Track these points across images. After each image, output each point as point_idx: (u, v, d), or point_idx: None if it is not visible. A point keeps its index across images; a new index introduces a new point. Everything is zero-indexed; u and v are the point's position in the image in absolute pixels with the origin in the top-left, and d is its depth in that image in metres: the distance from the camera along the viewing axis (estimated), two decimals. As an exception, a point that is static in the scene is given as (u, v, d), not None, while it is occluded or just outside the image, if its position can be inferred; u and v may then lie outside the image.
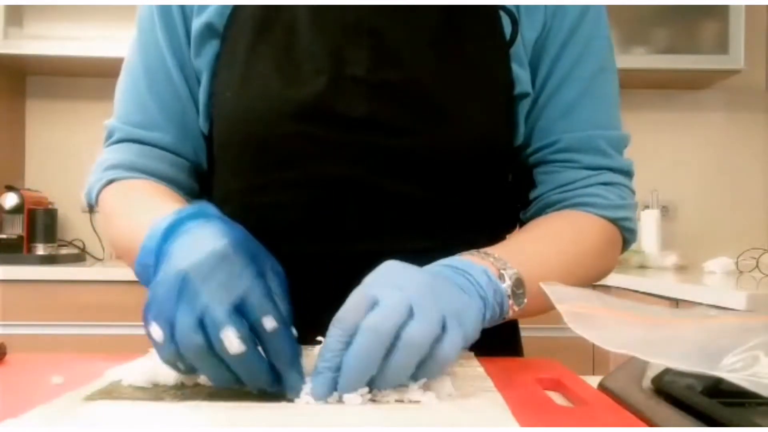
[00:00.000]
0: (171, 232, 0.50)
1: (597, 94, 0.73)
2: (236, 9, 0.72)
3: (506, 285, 0.59)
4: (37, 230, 2.15)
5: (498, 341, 0.67)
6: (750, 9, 2.37)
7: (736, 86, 2.53)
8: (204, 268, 0.46)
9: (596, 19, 0.74)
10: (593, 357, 1.91)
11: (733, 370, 0.43)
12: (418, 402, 0.46)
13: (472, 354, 0.63)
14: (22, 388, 0.52)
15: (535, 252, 0.66)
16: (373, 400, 0.46)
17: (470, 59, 0.70)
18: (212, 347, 0.44)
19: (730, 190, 2.58)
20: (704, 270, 2.15)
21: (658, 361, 0.46)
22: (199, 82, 0.75)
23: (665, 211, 2.53)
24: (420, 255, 0.60)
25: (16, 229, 2.14)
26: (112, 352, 0.67)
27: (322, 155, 0.68)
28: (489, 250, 0.62)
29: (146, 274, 0.51)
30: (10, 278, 1.89)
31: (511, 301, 0.59)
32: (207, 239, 0.48)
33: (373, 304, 0.47)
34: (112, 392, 0.48)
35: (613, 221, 0.72)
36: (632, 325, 0.54)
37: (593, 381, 0.55)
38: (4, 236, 2.12)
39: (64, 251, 2.28)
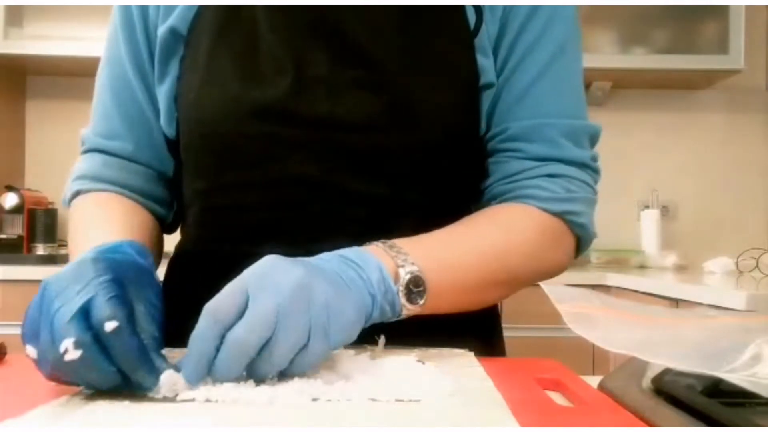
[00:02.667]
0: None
1: (554, 79, 0.70)
2: (199, 13, 0.72)
3: (400, 284, 0.58)
4: (37, 230, 2.15)
5: (480, 342, 0.67)
6: (750, 9, 2.37)
7: (736, 86, 2.53)
8: (60, 280, 0.48)
9: (555, 7, 0.71)
10: (593, 357, 1.91)
11: (733, 370, 0.43)
12: (418, 401, 0.47)
13: (471, 354, 0.63)
14: (22, 388, 0.52)
15: (451, 246, 0.65)
16: (373, 399, 0.47)
17: (435, 52, 0.69)
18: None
19: (730, 190, 2.58)
20: (704, 270, 2.15)
21: (658, 361, 0.46)
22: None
23: (665, 211, 2.53)
24: None
25: (16, 229, 2.14)
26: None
27: (284, 155, 0.68)
28: (398, 242, 0.61)
29: None
30: (10, 278, 1.89)
31: (404, 301, 0.58)
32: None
33: (245, 303, 0.48)
34: (111, 392, 0.48)
35: (557, 215, 0.68)
36: (632, 325, 0.54)
37: (593, 381, 0.55)
38: (4, 236, 2.12)
39: (64, 251, 2.28)
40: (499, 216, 0.70)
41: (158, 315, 0.50)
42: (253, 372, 0.48)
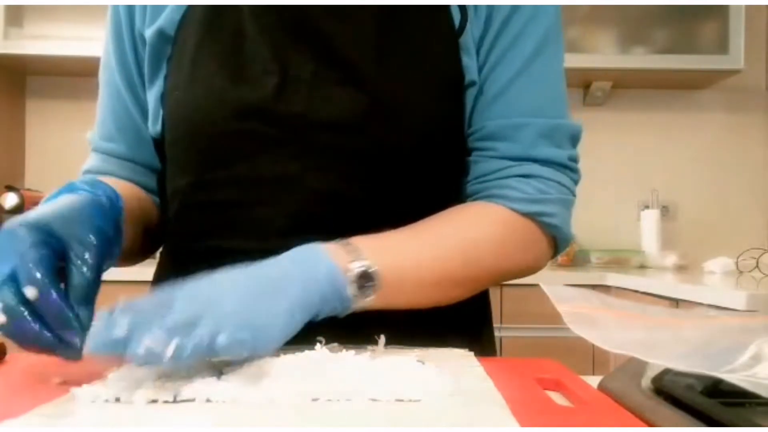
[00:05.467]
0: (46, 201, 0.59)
1: (533, 77, 0.69)
2: (186, 14, 0.74)
3: (350, 278, 0.59)
4: (37, 230, 2.14)
5: (470, 337, 0.68)
6: (750, 9, 2.37)
7: (736, 86, 2.53)
8: None
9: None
10: (593, 357, 1.91)
11: (733, 371, 0.43)
12: (418, 401, 0.47)
13: (471, 354, 0.63)
14: (22, 388, 0.52)
15: (409, 242, 0.65)
16: (373, 399, 0.47)
17: (417, 52, 0.69)
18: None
19: (730, 190, 2.58)
20: (704, 270, 2.15)
21: (658, 361, 0.46)
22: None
23: (665, 211, 2.53)
24: None
25: (16, 229, 2.14)
26: (112, 352, 0.67)
27: (262, 153, 0.69)
28: (354, 240, 0.62)
29: None
30: (10, 278, 1.89)
31: (355, 294, 0.59)
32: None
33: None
34: (111, 393, 0.48)
35: (528, 215, 0.68)
36: (632, 326, 0.54)
37: (593, 381, 0.55)
38: (4, 236, 2.12)
39: (64, 251, 2.28)
40: (464, 214, 0.69)
41: (92, 255, 0.53)
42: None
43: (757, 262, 1.98)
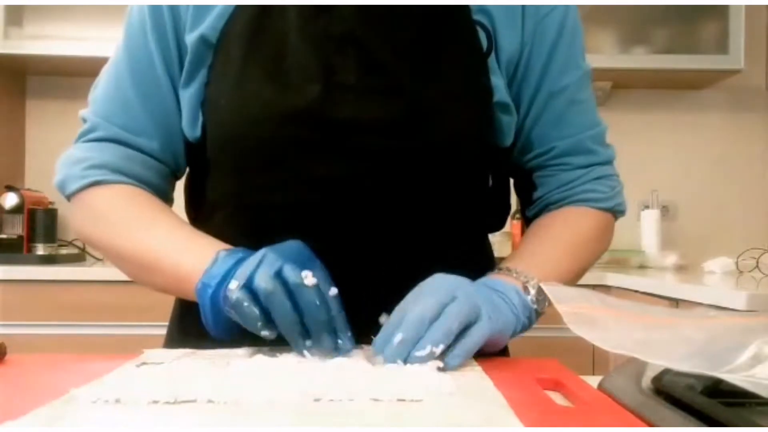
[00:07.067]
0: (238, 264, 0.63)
1: (580, 99, 0.82)
2: (228, 23, 0.76)
3: (531, 296, 0.69)
4: (37, 230, 2.15)
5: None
6: (750, 9, 2.37)
7: (736, 86, 2.53)
8: (280, 249, 0.62)
9: (572, 32, 0.81)
10: (593, 357, 1.91)
11: (733, 371, 0.43)
12: (420, 401, 0.47)
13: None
14: (22, 388, 0.52)
15: (544, 255, 0.77)
16: (375, 399, 0.47)
17: (448, 67, 0.75)
18: (287, 288, 0.58)
19: (730, 190, 2.58)
20: (704, 270, 2.15)
21: (658, 361, 0.46)
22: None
23: (665, 211, 2.53)
24: (403, 249, 0.71)
25: (16, 229, 2.14)
26: (111, 353, 0.67)
27: (310, 157, 0.73)
28: (510, 265, 0.73)
29: (205, 292, 0.63)
30: (10, 278, 1.89)
31: (536, 308, 0.69)
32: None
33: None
34: (112, 393, 0.48)
35: (608, 210, 0.83)
36: (632, 326, 0.54)
37: (593, 381, 0.55)
38: (4, 236, 2.12)
39: (64, 251, 2.28)
40: (567, 222, 0.81)
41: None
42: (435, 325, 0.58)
43: (757, 262, 1.98)
